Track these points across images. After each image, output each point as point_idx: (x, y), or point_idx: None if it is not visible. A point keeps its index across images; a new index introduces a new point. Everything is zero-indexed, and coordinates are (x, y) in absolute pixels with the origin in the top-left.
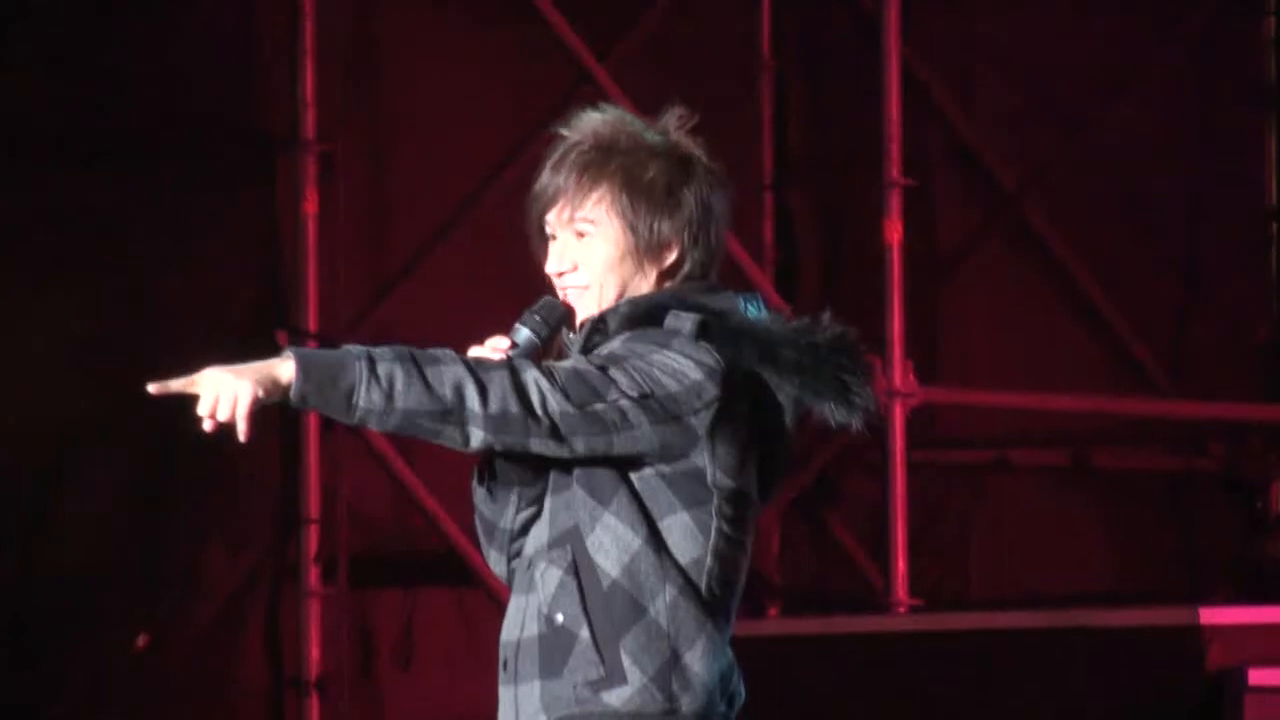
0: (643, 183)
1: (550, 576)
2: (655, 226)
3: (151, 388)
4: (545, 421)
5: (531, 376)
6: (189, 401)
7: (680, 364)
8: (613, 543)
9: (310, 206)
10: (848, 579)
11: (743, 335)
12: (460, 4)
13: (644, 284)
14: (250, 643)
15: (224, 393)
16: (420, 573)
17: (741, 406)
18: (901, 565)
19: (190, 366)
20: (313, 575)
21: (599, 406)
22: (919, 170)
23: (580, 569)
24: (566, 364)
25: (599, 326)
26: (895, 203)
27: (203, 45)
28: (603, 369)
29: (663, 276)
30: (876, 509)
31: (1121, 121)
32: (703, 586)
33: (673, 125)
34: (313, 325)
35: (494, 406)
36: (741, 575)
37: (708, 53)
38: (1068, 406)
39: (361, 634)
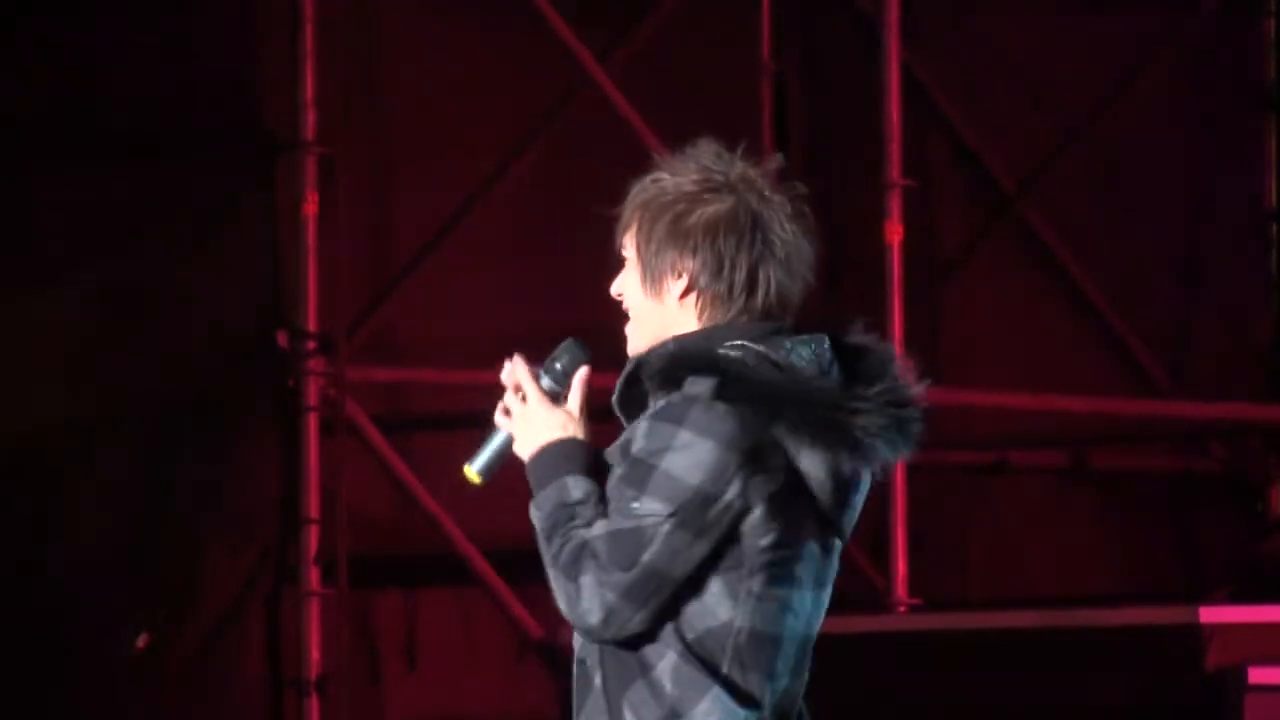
0: (662, 211)
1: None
2: (659, 259)
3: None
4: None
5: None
6: (189, 403)
7: (693, 459)
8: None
9: (310, 207)
10: (848, 579)
11: (762, 394)
12: (460, 5)
13: (671, 315)
14: (250, 643)
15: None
16: (420, 573)
17: (776, 461)
18: (901, 565)
19: (190, 366)
20: (313, 575)
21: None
22: (919, 171)
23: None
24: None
25: (634, 377)
26: (895, 203)
27: (203, 46)
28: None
29: (683, 309)
30: (876, 509)
31: (1121, 121)
32: (726, 649)
33: (748, 163)
34: (313, 325)
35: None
36: (794, 630)
37: (708, 54)
38: (1068, 407)
39: (361, 634)
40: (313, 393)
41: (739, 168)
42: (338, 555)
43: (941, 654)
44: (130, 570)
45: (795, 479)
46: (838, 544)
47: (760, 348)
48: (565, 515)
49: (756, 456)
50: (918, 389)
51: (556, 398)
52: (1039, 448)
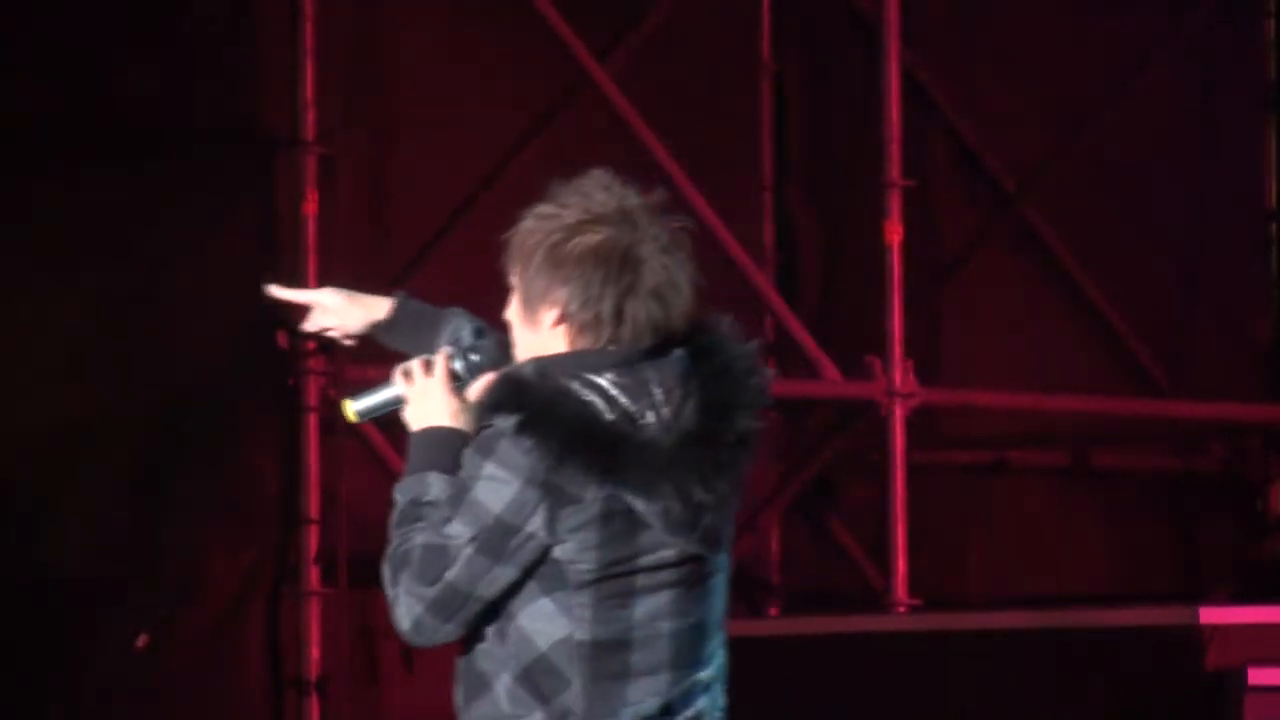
0: (540, 242)
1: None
2: (532, 289)
3: (272, 290)
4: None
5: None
6: (189, 403)
7: (496, 491)
8: (477, 620)
9: (310, 206)
10: (848, 579)
11: (569, 430)
12: (460, 4)
13: (544, 343)
14: (250, 643)
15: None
16: None
17: (589, 491)
18: (901, 565)
19: (190, 366)
20: (313, 575)
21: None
22: (919, 171)
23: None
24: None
25: (481, 371)
26: (895, 203)
27: (203, 45)
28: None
29: (554, 337)
30: (876, 509)
31: (1121, 121)
32: (574, 660)
33: (631, 194)
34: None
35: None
36: (656, 629)
37: (708, 53)
38: (1068, 406)
39: (361, 634)
40: (313, 393)
41: (619, 200)
42: (338, 555)
43: (941, 654)
44: (130, 570)
45: (616, 502)
46: (701, 545)
47: (602, 379)
48: (414, 514)
49: (560, 491)
50: (757, 403)
51: (460, 385)
52: (1039, 448)
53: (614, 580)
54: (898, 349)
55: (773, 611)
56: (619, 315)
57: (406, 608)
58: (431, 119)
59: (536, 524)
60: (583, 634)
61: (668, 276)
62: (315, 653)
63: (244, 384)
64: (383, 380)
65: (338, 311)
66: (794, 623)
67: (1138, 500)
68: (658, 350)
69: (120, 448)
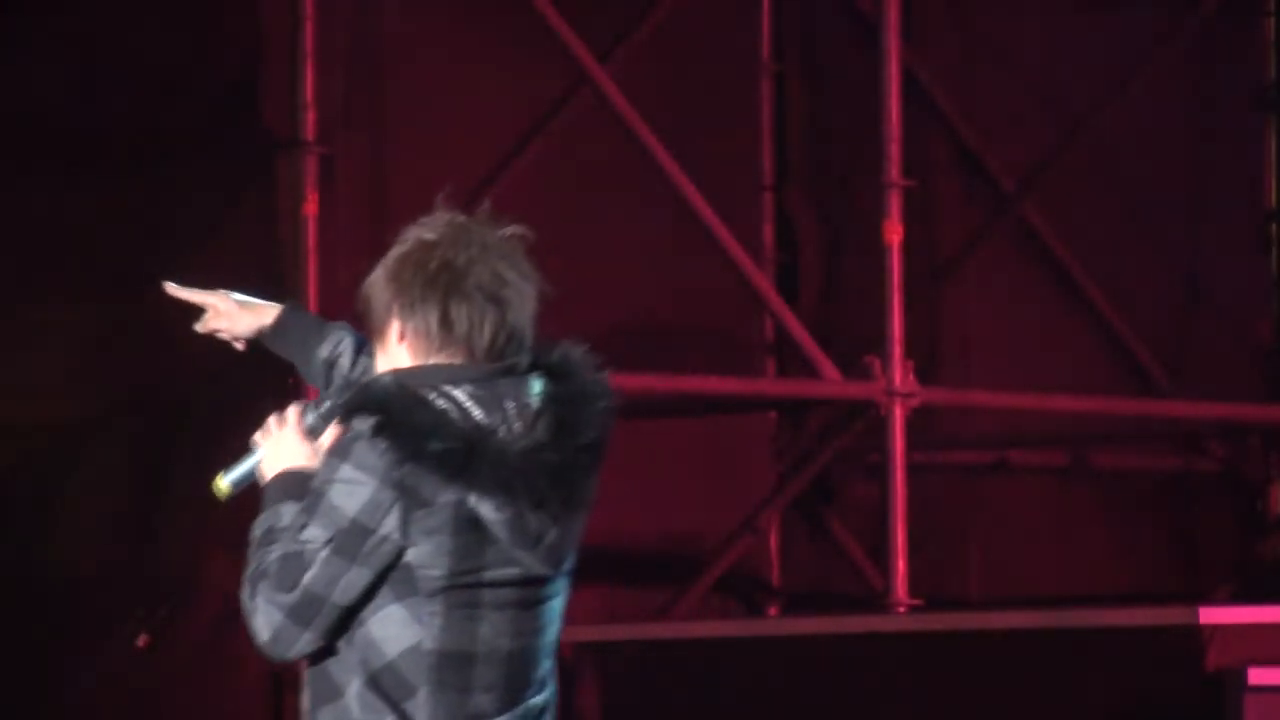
0: (390, 267)
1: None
2: (386, 313)
3: (170, 288)
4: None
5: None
6: (189, 403)
7: (351, 493)
8: (334, 631)
9: (310, 207)
10: (848, 579)
11: (422, 434)
12: (460, 5)
13: (395, 362)
14: (250, 643)
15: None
16: None
17: (442, 496)
18: (901, 565)
19: (190, 366)
20: None
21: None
22: (919, 171)
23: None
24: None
25: (336, 414)
26: (895, 203)
27: (203, 45)
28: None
29: (408, 355)
30: (876, 509)
31: (1121, 121)
32: (422, 669)
33: (473, 220)
34: None
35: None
36: (497, 647)
37: (708, 54)
38: (1068, 406)
39: None
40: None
41: (449, 218)
42: None
43: (941, 654)
44: (130, 570)
45: (465, 509)
46: (544, 564)
47: (458, 391)
48: (267, 540)
49: (413, 493)
50: (599, 420)
51: (314, 433)
52: (1039, 448)
53: (463, 590)
54: (898, 349)
55: (773, 611)
56: (447, 321)
57: (266, 617)
58: (431, 119)
59: (390, 525)
60: (431, 643)
61: (498, 279)
62: None
63: (244, 384)
64: (249, 449)
65: (228, 315)
66: (794, 623)
67: (1138, 500)
68: (514, 369)
69: (120, 448)
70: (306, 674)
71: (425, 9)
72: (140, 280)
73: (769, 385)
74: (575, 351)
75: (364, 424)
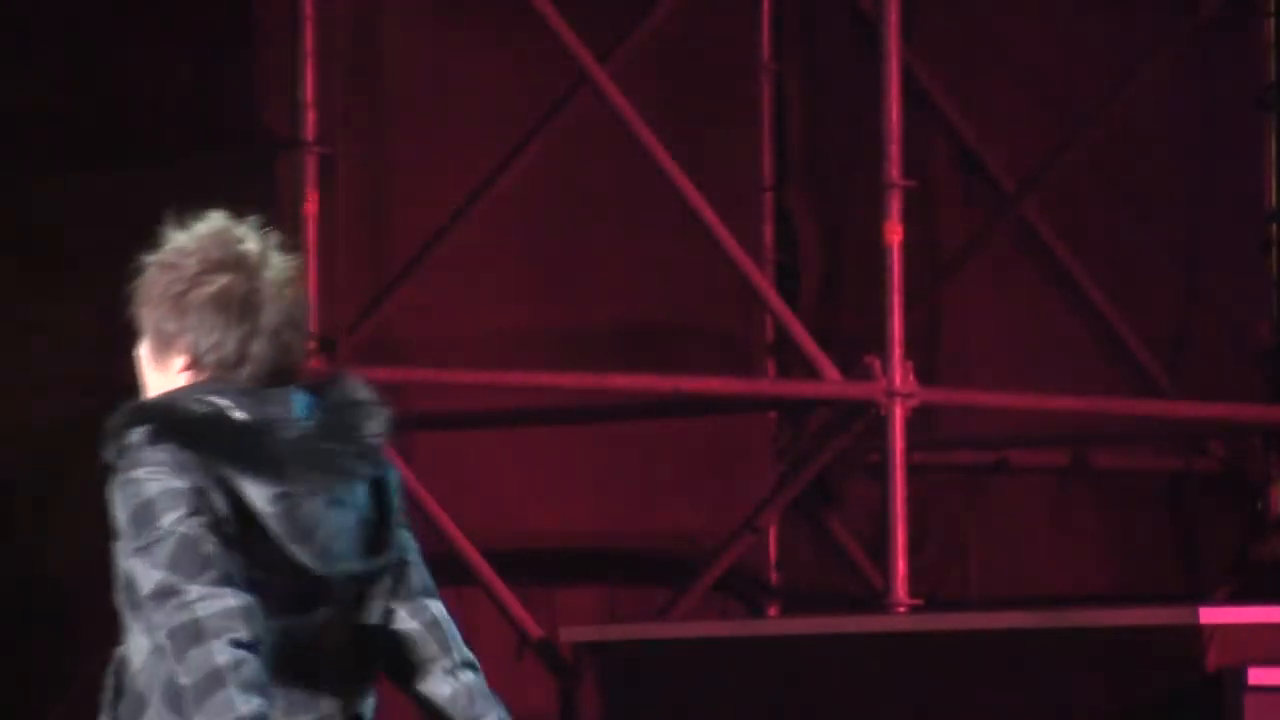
0: (166, 290)
1: (116, 657)
2: (162, 333)
3: None
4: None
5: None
6: None
7: (151, 491)
8: (135, 649)
9: (310, 207)
10: (848, 579)
11: (196, 434)
12: (461, 5)
13: (166, 381)
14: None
15: None
16: None
17: (217, 499)
18: (901, 565)
19: None
20: None
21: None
22: (919, 171)
23: (119, 665)
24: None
25: (105, 437)
26: (895, 204)
27: (203, 45)
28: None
29: (181, 372)
30: (876, 509)
31: (1121, 121)
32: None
33: (250, 239)
34: (313, 325)
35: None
36: (280, 649)
37: (708, 54)
38: (1068, 406)
39: None
40: None
41: (236, 245)
42: None
43: (941, 654)
44: None
45: (244, 511)
46: (322, 571)
47: (222, 400)
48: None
49: (201, 493)
50: (376, 429)
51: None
52: (1039, 448)
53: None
54: (897, 349)
55: (772, 611)
56: (243, 358)
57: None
58: (431, 119)
59: (180, 514)
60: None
61: (287, 317)
62: None
63: None
64: None
65: None
66: (794, 623)
67: (1138, 500)
68: (278, 386)
69: None
70: (122, 692)
71: (425, 9)
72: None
73: (769, 385)
74: (348, 376)
75: (139, 435)
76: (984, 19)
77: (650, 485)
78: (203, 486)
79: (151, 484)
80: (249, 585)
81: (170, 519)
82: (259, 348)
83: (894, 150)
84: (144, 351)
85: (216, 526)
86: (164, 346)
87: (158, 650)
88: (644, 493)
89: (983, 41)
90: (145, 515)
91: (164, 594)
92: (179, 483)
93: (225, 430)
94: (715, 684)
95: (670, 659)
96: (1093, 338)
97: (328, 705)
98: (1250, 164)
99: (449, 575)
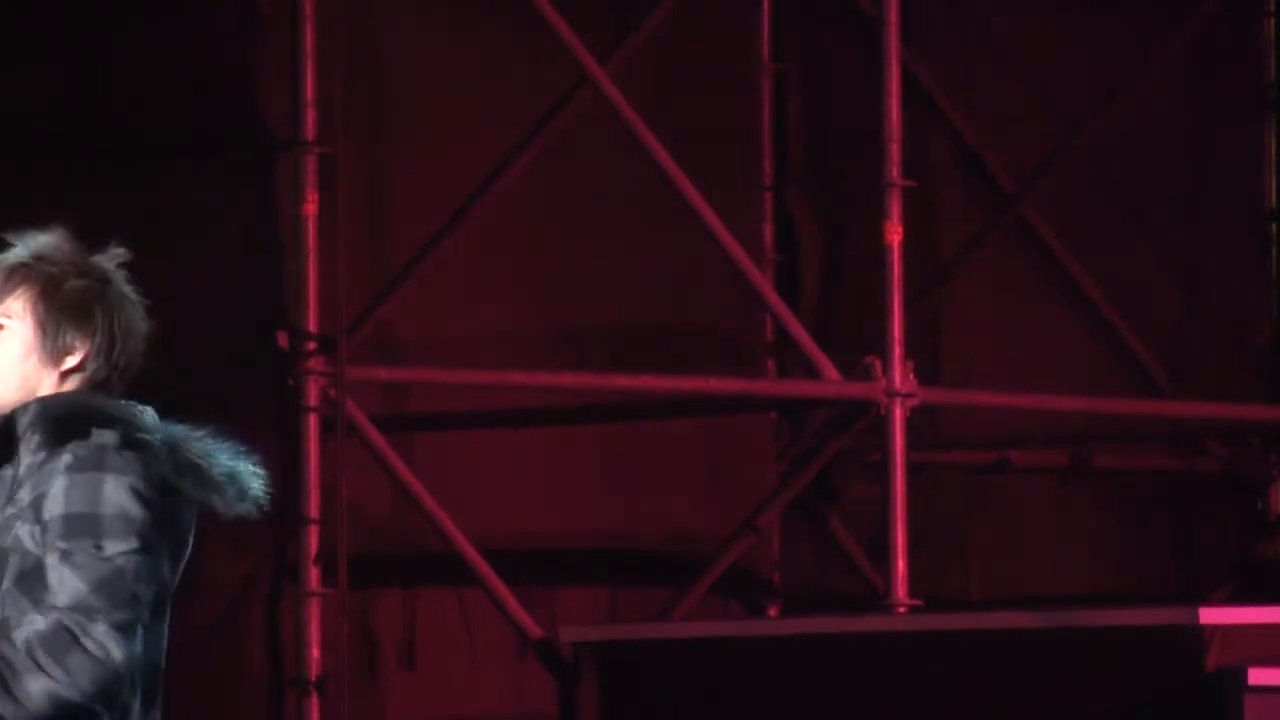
0: (62, 292)
1: None
2: (63, 332)
3: None
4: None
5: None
6: (188, 403)
7: (122, 500)
8: (23, 623)
9: (310, 206)
10: (848, 579)
11: (158, 444)
12: (461, 5)
13: (45, 383)
14: (250, 643)
15: None
16: (420, 573)
17: (172, 502)
18: (901, 565)
19: (190, 366)
20: (313, 575)
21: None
22: (919, 171)
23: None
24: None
25: (6, 432)
26: (895, 204)
27: (203, 45)
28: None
29: (62, 378)
30: (876, 509)
31: (1121, 121)
32: (138, 681)
33: (110, 257)
34: (313, 325)
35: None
36: (157, 661)
37: (708, 54)
38: (1068, 406)
39: (361, 634)
40: (313, 393)
41: (94, 258)
42: (338, 555)
43: (941, 654)
44: None
45: (181, 520)
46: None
47: (120, 410)
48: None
49: (164, 499)
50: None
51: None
52: (1039, 448)
53: (165, 601)
54: (898, 349)
55: (773, 612)
56: (117, 362)
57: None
58: (431, 119)
59: (148, 526)
60: (148, 654)
61: (138, 327)
62: (315, 653)
63: (244, 384)
64: None
65: None
66: (794, 623)
67: (1138, 500)
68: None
69: None
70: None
71: (425, 9)
72: (140, 279)
73: (769, 385)
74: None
75: (107, 437)
76: (984, 19)
77: (651, 485)
78: (164, 499)
79: (112, 498)
80: (165, 595)
81: (115, 547)
82: (127, 355)
83: (894, 150)
84: (12, 346)
85: (166, 552)
86: (57, 347)
87: (48, 646)
88: (644, 493)
89: (983, 41)
90: (92, 528)
91: (77, 611)
92: (137, 511)
93: (174, 445)
94: (715, 684)
95: (670, 659)
96: (1093, 338)
97: None
98: (1250, 164)
99: (449, 575)
